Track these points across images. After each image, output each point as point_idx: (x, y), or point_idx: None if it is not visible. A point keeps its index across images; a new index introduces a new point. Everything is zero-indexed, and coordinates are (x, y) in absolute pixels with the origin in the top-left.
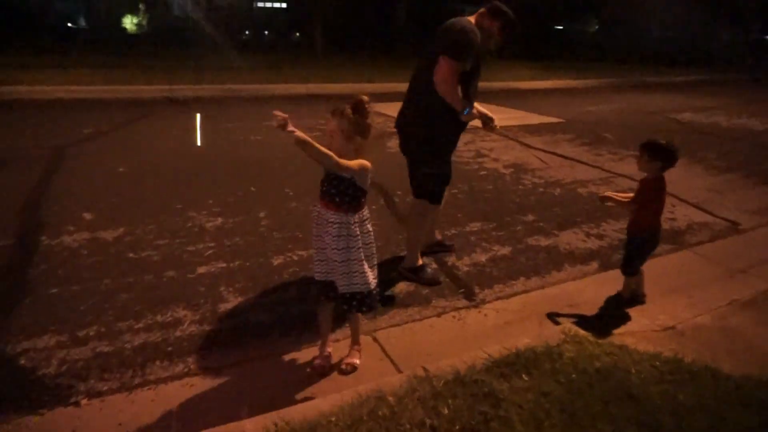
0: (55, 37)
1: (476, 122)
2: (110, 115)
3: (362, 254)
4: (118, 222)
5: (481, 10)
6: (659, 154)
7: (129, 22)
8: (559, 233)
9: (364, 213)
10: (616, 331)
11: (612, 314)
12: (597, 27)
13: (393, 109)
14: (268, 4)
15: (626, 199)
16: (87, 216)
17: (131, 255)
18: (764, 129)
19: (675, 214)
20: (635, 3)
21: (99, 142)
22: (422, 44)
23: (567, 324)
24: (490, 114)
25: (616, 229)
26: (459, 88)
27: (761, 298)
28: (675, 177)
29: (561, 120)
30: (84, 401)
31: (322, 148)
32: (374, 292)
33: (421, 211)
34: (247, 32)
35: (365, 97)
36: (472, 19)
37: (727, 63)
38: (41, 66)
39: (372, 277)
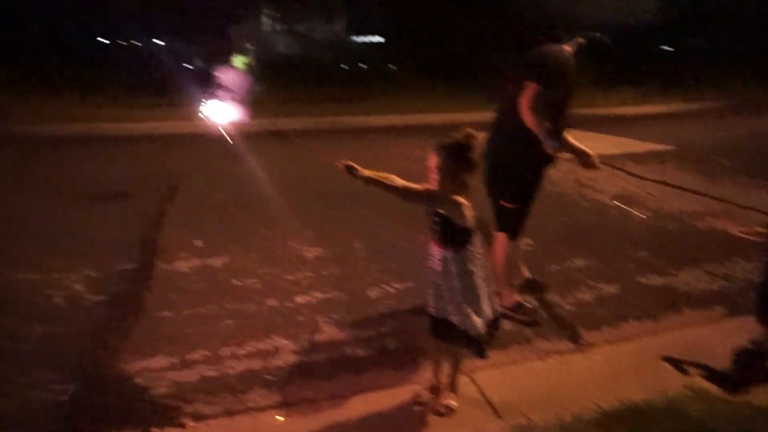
0: (172, 77)
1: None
2: (217, 148)
3: (469, 295)
4: (224, 250)
5: (579, 39)
6: None
7: (238, 62)
8: (675, 272)
9: (471, 251)
10: (751, 390)
11: (744, 368)
12: (709, 47)
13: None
14: (364, 39)
15: (759, 238)
16: (197, 243)
17: (236, 282)
18: None
19: None
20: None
21: (207, 174)
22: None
23: (691, 378)
24: (588, 150)
25: (745, 270)
26: (546, 119)
27: None
28: None
29: (670, 147)
30: (190, 423)
31: (394, 183)
32: (483, 335)
33: (502, 244)
34: (343, 66)
35: (471, 131)
36: (567, 47)
37: None
38: (158, 104)
39: (482, 319)
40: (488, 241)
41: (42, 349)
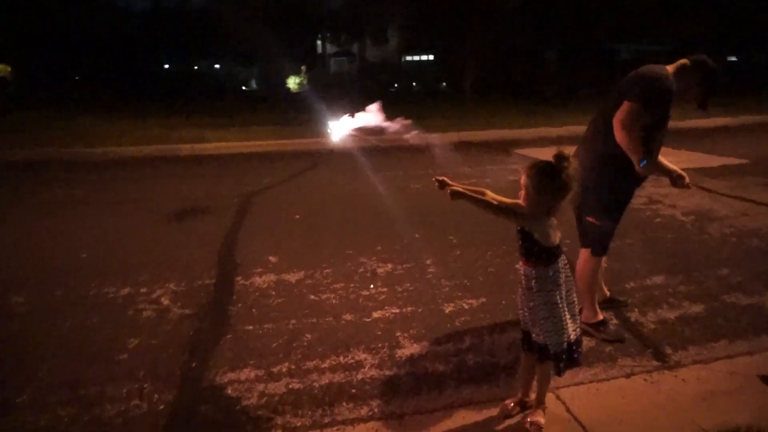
0: (233, 99)
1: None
2: (284, 166)
3: (549, 312)
4: (298, 265)
5: (683, 60)
6: None
7: (292, 83)
8: (765, 291)
9: (554, 270)
10: None
11: None
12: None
13: (548, 154)
14: (416, 57)
15: None
16: (272, 259)
17: (312, 297)
18: None
19: None
20: None
21: (277, 191)
22: (575, 88)
23: None
24: (680, 170)
25: None
26: (640, 138)
27: None
28: None
29: (747, 161)
30: None
31: (483, 198)
32: (565, 352)
33: (586, 261)
34: (395, 85)
35: (563, 152)
36: (670, 68)
37: None
38: (224, 125)
39: (563, 337)
40: (574, 260)
41: (137, 360)
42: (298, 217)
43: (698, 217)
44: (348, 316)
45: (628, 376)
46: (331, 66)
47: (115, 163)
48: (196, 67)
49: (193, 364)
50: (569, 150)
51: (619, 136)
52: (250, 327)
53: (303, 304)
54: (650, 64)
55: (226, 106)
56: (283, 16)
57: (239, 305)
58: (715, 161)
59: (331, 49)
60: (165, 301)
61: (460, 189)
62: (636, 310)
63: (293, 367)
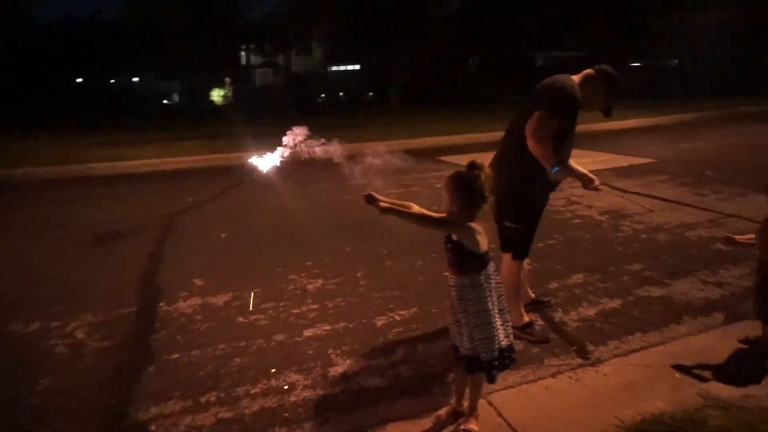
0: (152, 114)
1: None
2: (209, 183)
3: (483, 320)
4: (225, 287)
5: (588, 71)
6: None
7: (216, 95)
8: (671, 282)
9: (486, 276)
10: (760, 392)
11: (750, 372)
12: (677, 61)
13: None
14: (341, 67)
15: (752, 242)
16: (197, 282)
17: (241, 319)
18: None
19: None
20: (707, 36)
21: (201, 210)
22: (498, 94)
23: (704, 385)
24: (590, 174)
25: (736, 276)
26: (551, 146)
27: None
28: None
29: (653, 160)
30: None
31: (410, 211)
32: (497, 359)
33: (508, 265)
34: (322, 95)
35: (476, 162)
36: (576, 78)
37: None
38: (144, 141)
39: (495, 344)
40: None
41: (48, 402)
42: (224, 236)
43: (612, 215)
44: (279, 337)
45: (554, 375)
46: (256, 77)
47: (27, 184)
48: (113, 81)
49: (113, 402)
50: (486, 158)
51: (532, 144)
52: (176, 355)
53: (231, 328)
54: (558, 74)
55: (146, 121)
56: (203, 27)
57: (163, 333)
58: (624, 161)
59: (255, 60)
60: (80, 335)
61: (388, 204)
62: (560, 309)
63: (222, 395)
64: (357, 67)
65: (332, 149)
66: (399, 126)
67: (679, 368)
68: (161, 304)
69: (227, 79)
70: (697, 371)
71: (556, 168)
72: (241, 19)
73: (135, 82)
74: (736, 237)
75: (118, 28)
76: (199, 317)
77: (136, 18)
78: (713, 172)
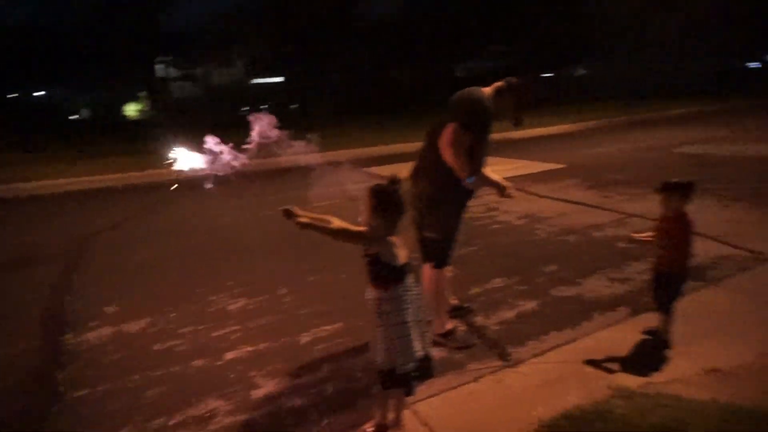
0: (59, 130)
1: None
2: (123, 204)
3: (400, 333)
4: (140, 313)
5: (499, 83)
6: (682, 191)
7: (131, 109)
8: (582, 281)
9: (405, 289)
10: (660, 379)
11: (652, 360)
12: (584, 72)
13: (399, 170)
14: (264, 80)
15: (649, 238)
16: (109, 309)
17: (157, 347)
18: (765, 156)
19: (697, 249)
20: (614, 46)
21: (114, 232)
22: (427, 107)
23: (611, 376)
24: (504, 182)
25: (638, 271)
26: (466, 156)
27: None
28: (690, 211)
29: (564, 165)
30: None
31: (329, 226)
32: (414, 370)
33: (430, 275)
34: (244, 108)
35: (396, 176)
36: (488, 90)
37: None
38: (50, 160)
39: (412, 357)
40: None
41: None
42: (138, 259)
43: (529, 219)
44: (198, 362)
45: (476, 379)
46: (175, 90)
47: None
48: (15, 95)
49: None
50: (405, 170)
51: (447, 155)
52: (83, 392)
53: (147, 356)
54: (472, 86)
55: (51, 138)
56: (116, 39)
57: (69, 368)
58: (538, 167)
59: (173, 73)
60: None
61: (307, 219)
62: (480, 314)
63: (135, 430)
64: (281, 79)
65: (254, 163)
66: (321, 138)
67: (590, 363)
68: (68, 336)
69: (142, 93)
70: (605, 364)
71: (471, 178)
72: (157, 30)
73: (39, 96)
74: (637, 235)
75: (17, 36)
76: (111, 348)
77: (37, 24)
78: (617, 175)
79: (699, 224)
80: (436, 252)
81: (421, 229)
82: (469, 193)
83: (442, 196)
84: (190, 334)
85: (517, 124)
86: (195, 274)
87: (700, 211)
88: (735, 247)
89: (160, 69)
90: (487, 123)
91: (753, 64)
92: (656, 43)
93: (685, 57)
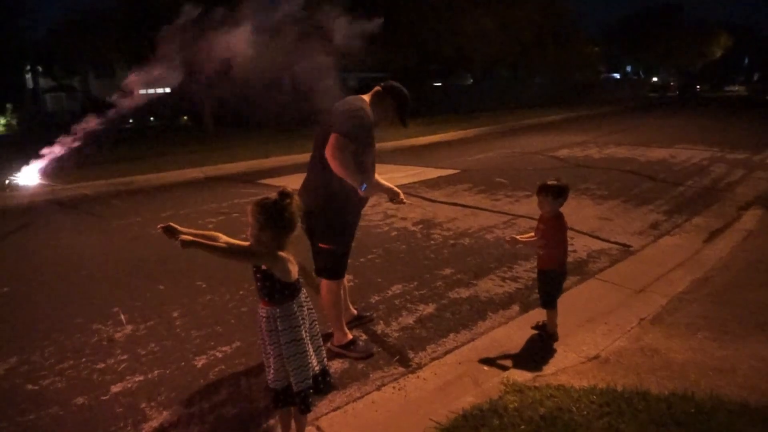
0: None
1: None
2: None
3: (295, 349)
4: (7, 351)
5: (376, 88)
6: (557, 193)
7: None
8: (476, 282)
9: (298, 304)
10: (549, 371)
11: (541, 353)
12: (471, 81)
13: (293, 182)
14: (150, 90)
15: (532, 239)
16: None
17: (30, 387)
18: (629, 156)
19: (574, 245)
20: (502, 56)
21: None
22: (313, 118)
23: (505, 373)
24: (395, 188)
25: (527, 270)
26: (354, 166)
27: (664, 312)
28: (567, 210)
29: (456, 171)
30: None
31: (216, 243)
32: (311, 387)
33: (328, 286)
34: (131, 120)
35: (286, 190)
36: (366, 97)
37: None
38: None
39: (308, 373)
40: (308, 281)
41: None
42: (6, 290)
43: (425, 225)
44: (80, 400)
45: (379, 388)
46: (48, 103)
47: None
48: None
49: None
50: (295, 183)
51: (334, 166)
52: None
53: (16, 399)
54: (350, 96)
55: None
56: None
57: None
58: (432, 173)
59: (46, 83)
60: None
61: (190, 237)
62: (381, 321)
63: None
64: (168, 90)
65: (129, 180)
66: (213, 151)
67: (485, 362)
68: None
69: (8, 105)
70: (499, 361)
71: (364, 185)
72: (22, 37)
73: None
74: (519, 237)
75: None
76: None
77: None
78: (503, 179)
79: (575, 221)
80: (331, 262)
81: (314, 240)
82: (361, 201)
83: (333, 206)
84: (70, 369)
85: (404, 124)
86: (75, 302)
87: (577, 208)
88: (607, 241)
89: (28, 79)
90: (369, 131)
91: (615, 75)
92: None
93: (558, 69)
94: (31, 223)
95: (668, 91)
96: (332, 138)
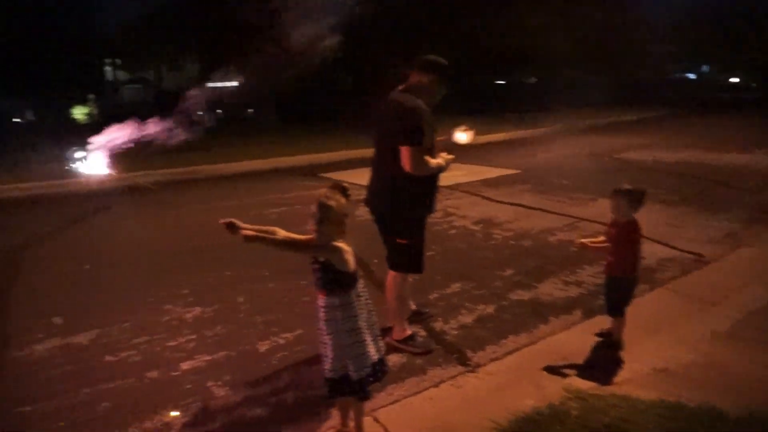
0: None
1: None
2: (67, 210)
3: (354, 339)
4: (90, 324)
5: (414, 70)
6: (633, 198)
7: (78, 113)
8: (538, 285)
9: (356, 294)
10: (613, 380)
11: (605, 362)
12: (535, 80)
13: (354, 176)
14: (218, 84)
15: (603, 243)
16: (57, 320)
17: (109, 358)
18: (703, 160)
19: (643, 252)
20: (565, 54)
21: (59, 240)
22: (369, 112)
23: (566, 379)
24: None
25: (591, 275)
26: (430, 162)
27: (738, 328)
28: (635, 215)
29: (517, 171)
30: None
31: (275, 237)
32: (370, 374)
33: (398, 281)
34: (200, 112)
35: (343, 184)
36: (410, 87)
37: (655, 101)
38: None
39: (367, 362)
40: (371, 279)
41: None
42: (88, 267)
43: (485, 224)
44: (153, 374)
45: (437, 385)
46: (125, 94)
47: None
48: None
49: None
50: (362, 174)
51: (418, 174)
52: (27, 408)
53: (97, 369)
54: (398, 95)
55: None
56: (56, 42)
57: (11, 383)
58: (493, 172)
59: (124, 76)
60: None
61: (252, 232)
62: (440, 319)
63: None
64: (234, 83)
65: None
66: (277, 143)
67: (546, 366)
68: (11, 350)
69: (90, 96)
70: (561, 367)
71: (444, 167)
72: (98, 32)
73: None
74: (588, 242)
75: None
76: (59, 361)
77: None
78: (566, 180)
79: (643, 227)
80: (410, 257)
81: (390, 235)
82: (431, 193)
83: (404, 201)
84: (144, 344)
85: (441, 97)
86: (148, 282)
87: (646, 213)
88: (678, 249)
89: (108, 72)
90: (429, 121)
91: (689, 75)
92: (597, 55)
93: (625, 68)
94: (107, 207)
95: (747, 91)
96: (404, 152)
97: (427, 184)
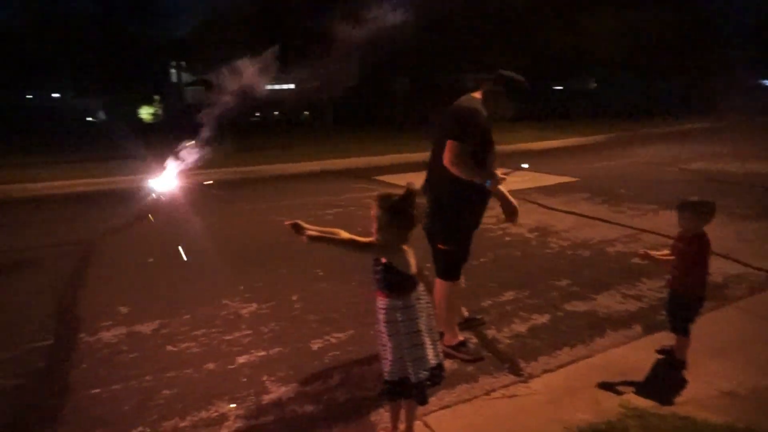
0: (74, 132)
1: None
2: (132, 205)
3: (413, 341)
4: (153, 314)
5: (486, 82)
6: (701, 212)
7: (145, 113)
8: (595, 296)
9: (416, 297)
10: (675, 400)
11: (666, 380)
12: (595, 85)
13: (406, 179)
14: (276, 86)
15: (668, 257)
16: (123, 310)
17: (170, 348)
18: None
19: (711, 268)
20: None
21: (125, 234)
22: (424, 116)
23: (624, 396)
24: (513, 202)
25: (652, 289)
26: (472, 164)
27: None
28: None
29: (575, 179)
30: None
31: (339, 238)
32: (429, 378)
33: (442, 288)
34: (257, 114)
35: (411, 185)
36: (477, 94)
37: (726, 109)
38: (61, 162)
39: (425, 365)
40: (429, 286)
41: None
42: (151, 260)
43: (540, 232)
44: (210, 365)
45: (488, 393)
46: (187, 95)
47: None
48: (29, 97)
49: None
50: (418, 177)
51: (455, 171)
52: (96, 390)
53: (159, 357)
54: (462, 97)
55: (66, 139)
56: (124, 44)
57: (83, 366)
58: (549, 180)
59: (187, 77)
60: None
61: (315, 233)
62: (492, 327)
63: (147, 430)
64: (292, 86)
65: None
66: (331, 145)
67: (602, 380)
68: (82, 335)
69: (156, 97)
70: (618, 382)
71: (489, 182)
72: (164, 35)
73: (56, 98)
74: (653, 253)
75: (28, 40)
76: (125, 347)
77: (45, 30)
78: (627, 190)
79: (712, 241)
80: (447, 263)
81: (433, 240)
82: (481, 204)
83: (452, 207)
84: (202, 336)
85: (510, 113)
86: (206, 277)
87: (713, 227)
88: (746, 265)
89: (173, 74)
90: (481, 129)
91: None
92: (658, 62)
93: (693, 74)
94: (168, 203)
95: None
96: (448, 145)
97: (471, 192)
